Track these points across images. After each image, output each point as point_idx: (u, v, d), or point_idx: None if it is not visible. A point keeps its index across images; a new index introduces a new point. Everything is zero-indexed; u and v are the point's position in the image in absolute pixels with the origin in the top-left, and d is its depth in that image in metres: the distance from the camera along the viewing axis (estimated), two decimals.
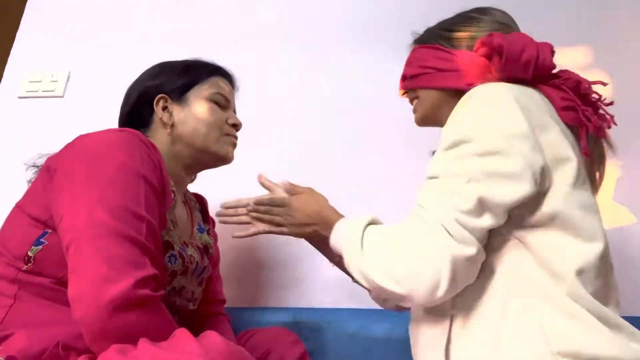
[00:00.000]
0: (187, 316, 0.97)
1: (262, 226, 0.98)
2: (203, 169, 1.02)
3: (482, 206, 0.68)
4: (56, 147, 0.85)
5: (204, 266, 0.97)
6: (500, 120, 0.71)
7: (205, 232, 1.04)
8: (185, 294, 0.92)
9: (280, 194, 0.97)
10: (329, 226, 0.88)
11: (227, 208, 1.01)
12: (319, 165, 1.42)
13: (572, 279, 0.67)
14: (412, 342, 0.84)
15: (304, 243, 1.35)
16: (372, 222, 0.80)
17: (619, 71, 1.51)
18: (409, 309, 1.00)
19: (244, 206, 0.99)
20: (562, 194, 0.70)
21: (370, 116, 1.49)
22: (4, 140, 1.54)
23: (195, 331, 0.66)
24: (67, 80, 1.61)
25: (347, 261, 0.78)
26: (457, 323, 0.73)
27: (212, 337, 0.63)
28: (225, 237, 1.33)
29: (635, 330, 0.69)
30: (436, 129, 0.99)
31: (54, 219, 0.74)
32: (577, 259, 0.68)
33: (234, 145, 1.01)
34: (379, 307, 1.17)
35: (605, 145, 0.82)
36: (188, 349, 0.60)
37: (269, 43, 1.61)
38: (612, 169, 1.41)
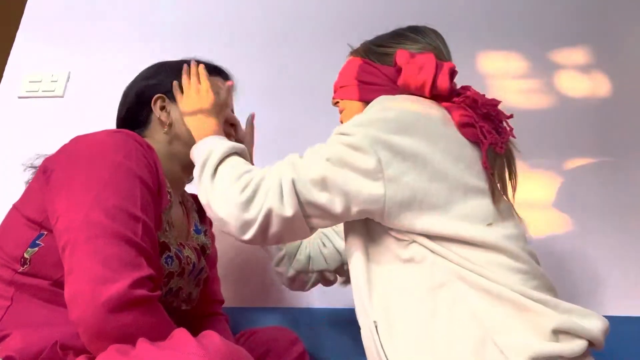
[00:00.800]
0: (185, 317, 0.97)
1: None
2: None
3: (324, 184, 0.74)
4: (56, 147, 0.85)
5: (201, 267, 0.97)
6: (375, 124, 0.75)
7: (202, 233, 1.04)
8: (182, 295, 0.92)
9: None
10: (205, 132, 0.89)
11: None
12: None
13: (480, 261, 0.70)
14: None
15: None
16: (239, 153, 0.85)
17: (619, 71, 1.51)
18: (302, 289, 1.09)
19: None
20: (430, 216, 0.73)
21: None
22: (4, 140, 1.54)
23: (194, 331, 0.66)
24: (67, 80, 1.61)
25: (197, 173, 0.83)
26: (382, 329, 0.73)
27: (211, 337, 0.63)
28: (224, 237, 1.33)
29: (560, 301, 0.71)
30: None
31: (50, 220, 0.74)
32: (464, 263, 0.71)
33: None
34: None
35: (513, 153, 0.85)
36: (187, 348, 0.60)
37: (268, 42, 1.61)
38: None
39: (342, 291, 1.28)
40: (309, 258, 1.07)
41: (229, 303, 1.17)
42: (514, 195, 0.83)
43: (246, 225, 0.75)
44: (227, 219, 0.76)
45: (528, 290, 0.69)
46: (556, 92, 1.51)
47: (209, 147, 0.84)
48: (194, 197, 1.11)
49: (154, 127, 0.96)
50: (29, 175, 0.89)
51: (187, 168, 0.98)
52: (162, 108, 0.95)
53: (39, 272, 0.74)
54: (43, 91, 1.59)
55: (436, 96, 0.84)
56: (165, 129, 0.94)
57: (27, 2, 1.74)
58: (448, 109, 0.81)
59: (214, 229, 1.14)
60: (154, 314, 0.70)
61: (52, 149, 0.86)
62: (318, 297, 1.29)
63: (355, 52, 0.97)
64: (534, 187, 1.40)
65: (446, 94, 0.83)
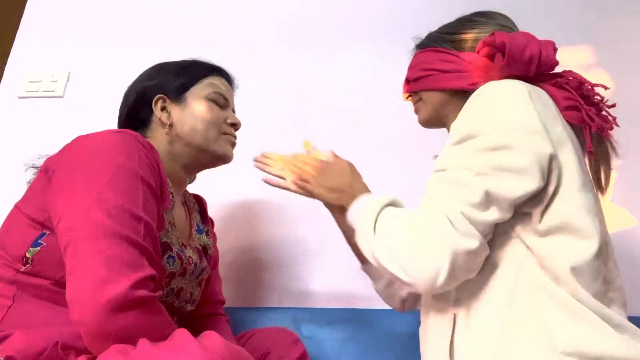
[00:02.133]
0: (186, 317, 0.97)
1: (289, 180, 0.94)
2: (202, 169, 1.02)
3: (488, 200, 0.69)
4: (56, 147, 0.85)
5: (203, 267, 0.97)
6: (511, 114, 0.71)
7: (204, 233, 1.04)
8: (184, 295, 0.92)
9: (323, 157, 0.96)
10: (352, 198, 0.86)
11: (266, 157, 0.99)
12: None
13: (569, 278, 0.67)
14: (420, 342, 0.84)
15: (304, 243, 1.35)
16: (392, 204, 0.80)
17: (619, 71, 1.51)
18: (412, 309, 1.02)
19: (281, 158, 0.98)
20: (570, 201, 0.70)
21: (372, 116, 1.49)
22: (4, 140, 1.54)
23: (195, 332, 0.66)
24: (67, 80, 1.61)
25: (359, 239, 0.79)
26: (460, 323, 0.73)
27: (211, 337, 0.63)
28: (226, 237, 1.33)
29: (639, 330, 0.69)
30: (439, 131, 0.99)
31: (52, 220, 0.74)
32: (572, 256, 0.68)
33: (233, 145, 1.01)
34: (379, 307, 1.17)
35: (608, 147, 0.82)
36: (188, 349, 0.60)
37: (269, 42, 1.61)
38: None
39: (342, 291, 1.28)
40: None
41: (229, 303, 1.17)
42: (604, 192, 0.80)
43: (435, 274, 0.68)
44: (414, 274, 0.69)
45: (612, 315, 0.67)
46: None
47: (362, 207, 0.81)
48: (196, 198, 1.11)
49: (155, 128, 0.96)
50: (30, 175, 0.89)
51: (188, 168, 0.98)
52: (163, 109, 0.95)
53: (40, 272, 0.74)
54: (43, 91, 1.59)
55: (537, 76, 0.80)
56: (166, 130, 0.94)
57: (27, 2, 1.74)
58: (548, 91, 0.78)
59: (215, 229, 1.14)
60: (156, 314, 0.70)
61: (52, 149, 0.86)
62: (318, 297, 1.29)
63: (422, 44, 0.94)
64: None
65: (552, 71, 0.80)
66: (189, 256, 0.91)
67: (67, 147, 0.81)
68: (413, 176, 1.35)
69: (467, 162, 0.71)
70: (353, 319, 1.20)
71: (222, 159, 0.99)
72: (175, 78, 0.97)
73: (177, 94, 0.96)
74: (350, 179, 0.90)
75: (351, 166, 0.94)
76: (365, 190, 0.89)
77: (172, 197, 0.89)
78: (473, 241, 0.68)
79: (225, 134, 0.98)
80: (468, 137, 0.73)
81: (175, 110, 0.95)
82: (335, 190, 0.89)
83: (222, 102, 0.99)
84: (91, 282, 0.64)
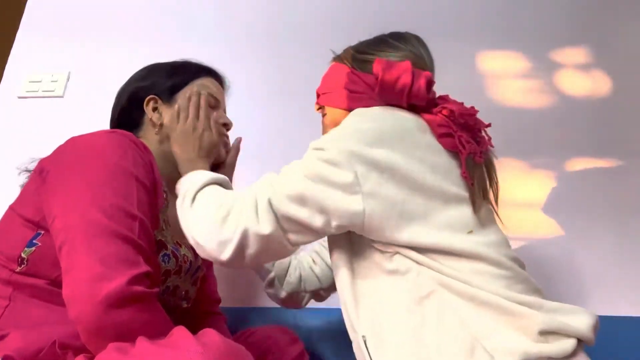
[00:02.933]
0: (182, 316, 0.97)
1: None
2: None
3: (302, 199, 0.74)
4: (56, 147, 0.85)
5: (198, 265, 0.97)
6: (350, 137, 0.75)
7: None
8: (179, 294, 0.93)
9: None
10: (191, 169, 0.89)
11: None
12: None
13: (463, 277, 0.70)
14: None
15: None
16: (220, 183, 0.85)
17: (620, 70, 1.51)
18: (296, 307, 1.10)
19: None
20: (409, 227, 0.73)
21: None
22: (4, 140, 1.54)
23: (192, 331, 0.66)
24: (67, 80, 1.61)
25: (179, 203, 0.84)
26: (371, 343, 0.73)
27: (210, 335, 0.63)
28: None
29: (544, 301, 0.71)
30: None
31: (47, 220, 0.74)
32: (449, 267, 0.71)
33: (225, 145, 1.01)
34: None
35: (493, 161, 0.85)
36: (186, 346, 0.60)
37: (267, 44, 1.61)
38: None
39: None
40: (299, 279, 1.07)
41: (228, 303, 1.17)
42: (496, 202, 0.84)
43: (222, 246, 0.75)
44: (203, 241, 0.76)
45: (512, 294, 0.69)
46: (556, 91, 1.51)
47: (190, 179, 0.85)
48: None
49: (147, 128, 0.96)
50: (23, 179, 0.89)
51: None
52: (155, 109, 0.96)
53: (36, 272, 0.74)
54: (43, 91, 1.59)
55: (413, 106, 0.84)
56: (156, 130, 0.94)
57: (27, 2, 1.74)
58: (426, 119, 0.81)
59: None
60: (152, 310, 0.70)
61: (52, 149, 0.86)
62: None
63: (339, 59, 0.96)
64: (534, 186, 1.40)
65: (423, 103, 0.83)
66: (184, 254, 0.91)
67: (61, 148, 0.82)
68: None
69: (303, 165, 0.77)
70: None
71: (215, 159, 0.99)
72: (167, 79, 0.98)
73: (169, 95, 0.96)
74: (204, 159, 0.92)
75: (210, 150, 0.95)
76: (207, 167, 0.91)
77: (166, 196, 0.89)
78: (266, 226, 0.73)
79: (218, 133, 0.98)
80: (317, 148, 0.77)
81: (166, 111, 0.95)
82: (185, 152, 0.91)
83: (213, 103, 0.99)
84: (88, 279, 0.65)
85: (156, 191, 0.83)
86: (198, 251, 0.79)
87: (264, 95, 1.54)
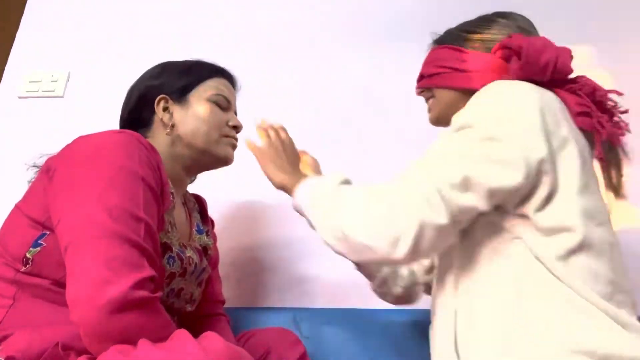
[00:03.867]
0: (186, 317, 0.97)
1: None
2: (203, 171, 1.02)
3: (466, 184, 0.69)
4: (56, 147, 0.85)
5: (203, 267, 0.97)
6: (510, 109, 0.71)
7: (204, 234, 1.04)
8: (184, 296, 0.92)
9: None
10: (298, 181, 0.85)
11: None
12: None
13: (572, 277, 0.67)
14: (430, 339, 0.83)
15: (304, 243, 1.35)
16: (346, 182, 0.82)
17: (619, 71, 1.51)
18: (408, 304, 1.04)
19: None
20: (566, 204, 0.69)
21: (372, 116, 1.48)
22: (4, 140, 1.54)
23: (195, 332, 0.66)
24: (67, 80, 1.61)
25: (312, 215, 0.79)
26: (461, 318, 0.72)
27: (212, 338, 0.63)
28: (226, 237, 1.33)
29: None
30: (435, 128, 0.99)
31: (52, 221, 0.74)
32: (566, 256, 0.68)
33: (234, 147, 1.01)
34: (379, 307, 1.17)
35: (619, 153, 0.82)
36: (188, 350, 0.60)
37: (270, 44, 1.61)
38: None
39: (342, 291, 1.28)
40: (412, 271, 1.04)
41: (229, 303, 1.17)
42: (616, 196, 0.80)
43: (395, 241, 0.69)
44: (371, 241, 0.70)
45: (624, 316, 0.66)
46: None
47: (313, 186, 0.81)
48: (196, 198, 1.11)
49: (157, 128, 0.95)
50: (31, 174, 0.89)
51: (189, 169, 0.98)
52: (165, 109, 0.95)
53: (41, 272, 0.74)
54: (43, 91, 1.59)
55: (551, 82, 0.80)
56: (168, 131, 0.94)
57: (27, 2, 1.74)
58: (561, 97, 0.78)
59: (216, 229, 1.14)
60: (155, 314, 0.69)
61: (52, 149, 0.86)
62: (318, 297, 1.29)
63: (440, 41, 0.93)
64: None
65: (566, 77, 0.80)
66: (189, 256, 0.91)
67: (68, 147, 0.81)
68: None
69: (455, 146, 0.72)
70: (353, 319, 1.20)
71: (223, 161, 0.99)
72: (178, 79, 0.97)
73: (180, 95, 0.96)
74: (301, 164, 0.91)
75: (315, 161, 0.95)
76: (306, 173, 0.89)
77: (173, 197, 0.89)
78: (442, 217, 0.68)
79: (226, 136, 0.98)
80: (462, 127, 0.73)
81: (177, 111, 0.95)
82: (282, 171, 0.89)
83: (225, 104, 0.99)
84: (91, 283, 0.64)
85: (163, 193, 0.82)
86: (363, 257, 0.73)
87: (271, 96, 1.54)
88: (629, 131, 0.79)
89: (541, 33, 0.92)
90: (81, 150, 0.79)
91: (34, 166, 0.89)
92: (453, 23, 0.97)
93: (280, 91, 1.55)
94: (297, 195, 0.85)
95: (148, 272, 0.69)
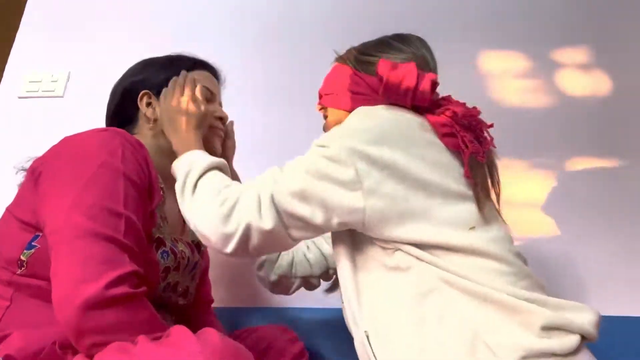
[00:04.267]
0: (180, 311, 0.97)
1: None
2: None
3: (303, 195, 0.75)
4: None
5: (195, 261, 0.97)
6: (353, 135, 0.76)
7: None
8: (179, 290, 0.93)
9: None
10: (187, 148, 0.89)
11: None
12: None
13: (463, 273, 0.70)
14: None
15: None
16: (220, 168, 0.86)
17: (619, 71, 1.51)
18: (285, 293, 1.09)
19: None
20: (415, 223, 0.74)
21: None
22: (4, 140, 1.54)
23: (189, 327, 0.66)
24: (67, 80, 1.61)
25: (178, 188, 0.84)
26: (374, 339, 0.73)
27: (210, 334, 0.63)
28: None
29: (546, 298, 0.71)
30: None
31: (41, 223, 0.75)
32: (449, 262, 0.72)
33: (220, 138, 1.01)
34: None
35: (495, 161, 0.86)
36: (187, 345, 0.60)
37: (264, 40, 1.61)
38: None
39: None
40: (292, 263, 1.07)
41: (227, 303, 1.18)
42: (498, 202, 0.84)
43: (226, 239, 0.76)
44: (208, 233, 0.77)
45: (516, 290, 0.69)
46: (557, 91, 1.51)
47: (189, 162, 0.85)
48: None
49: (141, 124, 0.96)
50: (20, 178, 0.89)
51: None
52: (148, 104, 0.95)
53: (36, 273, 0.75)
54: (43, 91, 1.59)
55: (416, 107, 0.84)
56: (151, 125, 0.94)
57: (27, 2, 1.74)
58: (429, 120, 0.82)
59: None
60: (138, 310, 0.69)
61: None
62: (318, 297, 1.29)
63: (341, 59, 0.96)
64: (534, 186, 1.40)
65: (426, 104, 0.84)
66: (182, 250, 0.91)
67: (52, 148, 0.82)
68: None
69: (305, 161, 0.78)
70: None
71: (211, 152, 0.98)
72: (160, 73, 0.97)
73: (162, 89, 0.96)
74: (195, 131, 0.92)
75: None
76: (200, 147, 0.91)
77: (163, 192, 0.89)
78: (268, 222, 0.75)
79: (211, 127, 0.98)
80: (320, 145, 0.78)
81: (159, 106, 0.95)
82: (175, 129, 0.91)
83: (208, 96, 0.99)
84: (69, 284, 0.65)
85: (152, 188, 0.82)
86: (203, 241, 0.81)
87: (264, 93, 1.54)
88: (493, 146, 0.84)
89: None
90: (64, 150, 0.79)
91: (22, 169, 0.89)
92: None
93: (271, 86, 1.54)
94: (176, 163, 0.88)
95: (128, 267, 0.69)
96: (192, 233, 1.01)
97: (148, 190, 0.82)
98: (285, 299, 1.29)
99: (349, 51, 0.96)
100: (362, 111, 0.82)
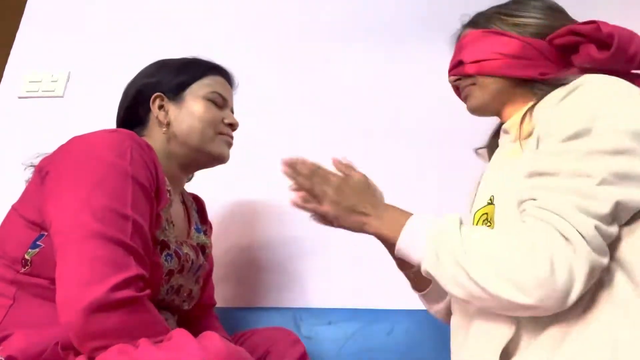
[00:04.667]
0: (184, 314, 0.97)
1: (300, 198, 0.81)
2: (199, 169, 1.02)
3: (616, 212, 0.62)
4: (56, 147, 0.85)
5: (200, 264, 0.97)
6: (626, 115, 0.64)
7: (202, 233, 1.04)
8: (183, 293, 0.93)
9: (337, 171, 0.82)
10: (384, 221, 0.76)
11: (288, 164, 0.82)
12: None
13: None
14: (453, 340, 0.79)
15: (304, 243, 1.35)
16: (462, 222, 0.71)
17: None
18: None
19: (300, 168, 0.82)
20: None
21: (376, 117, 1.48)
22: (4, 140, 1.54)
23: (191, 331, 0.66)
24: (67, 80, 1.61)
25: (433, 265, 0.69)
26: (526, 329, 0.66)
27: (211, 338, 0.63)
28: (225, 237, 1.33)
29: None
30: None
31: (46, 223, 0.74)
32: None
33: (230, 145, 1.00)
34: (379, 307, 1.17)
35: None
36: (188, 349, 0.60)
37: (265, 42, 1.61)
38: None
39: (342, 291, 1.28)
40: None
41: (229, 303, 1.18)
42: None
43: (566, 292, 0.60)
44: (536, 299, 0.60)
45: None
46: None
47: (425, 232, 0.70)
48: (194, 197, 1.11)
49: (152, 126, 0.95)
50: (29, 174, 0.89)
51: (185, 167, 0.98)
52: (161, 107, 0.95)
53: (40, 273, 0.74)
54: (43, 91, 1.59)
55: (630, 74, 0.76)
56: (164, 129, 0.94)
57: (27, 2, 1.74)
58: None
59: (215, 229, 1.14)
60: (142, 313, 0.69)
61: (52, 149, 0.86)
62: (318, 297, 1.29)
63: (476, 24, 0.88)
64: None
65: None
66: (186, 253, 0.91)
67: (61, 148, 0.81)
68: (420, 173, 1.36)
69: (581, 165, 0.63)
70: (353, 319, 1.20)
71: (218, 159, 0.98)
72: (174, 76, 0.97)
73: (176, 93, 0.95)
74: (371, 196, 0.79)
75: (367, 179, 0.82)
76: (398, 209, 0.78)
77: (170, 195, 0.89)
78: (605, 258, 0.61)
79: (221, 134, 0.98)
80: (577, 135, 0.64)
81: (172, 109, 0.95)
82: (355, 212, 0.78)
83: (221, 102, 0.99)
84: (74, 286, 0.65)
85: (159, 191, 0.82)
86: (521, 310, 0.63)
87: (274, 97, 1.54)
88: None
89: None
90: (72, 150, 0.79)
91: (31, 165, 0.89)
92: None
93: (284, 91, 1.54)
94: (402, 243, 0.74)
95: (134, 270, 0.69)
96: (198, 236, 1.02)
97: (155, 193, 0.81)
98: (287, 299, 1.30)
99: (485, 15, 0.87)
100: (608, 83, 0.68)
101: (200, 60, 1.02)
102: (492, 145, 0.95)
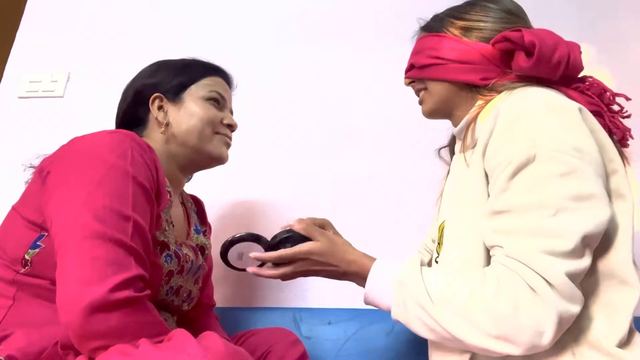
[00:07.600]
0: (183, 315, 0.97)
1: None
2: (198, 169, 1.02)
3: (585, 242, 0.60)
4: (56, 147, 0.85)
5: (199, 265, 0.97)
6: (564, 131, 0.64)
7: (202, 234, 1.05)
8: (182, 293, 0.93)
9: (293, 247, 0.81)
10: (361, 275, 0.78)
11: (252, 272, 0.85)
12: (315, 165, 1.42)
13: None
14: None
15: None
16: (422, 264, 0.71)
17: (619, 71, 1.51)
18: None
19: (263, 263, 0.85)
20: (623, 231, 0.66)
21: (373, 116, 1.48)
22: (4, 140, 1.54)
23: (190, 331, 0.66)
24: (67, 80, 1.61)
25: (402, 312, 0.70)
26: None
27: (211, 338, 0.63)
28: (224, 237, 1.33)
29: None
30: (440, 128, 0.98)
31: (47, 223, 0.74)
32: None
33: (228, 145, 1.00)
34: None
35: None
36: (188, 349, 0.60)
37: (265, 42, 1.61)
38: None
39: (342, 291, 1.28)
40: None
41: (229, 303, 1.17)
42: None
43: (531, 345, 0.59)
44: (506, 351, 0.60)
45: None
46: None
47: (388, 279, 0.72)
48: (193, 198, 1.11)
49: (152, 127, 0.95)
50: (28, 175, 0.89)
51: (184, 168, 0.98)
52: (160, 108, 0.95)
53: (40, 273, 0.75)
54: (43, 91, 1.59)
55: (560, 80, 0.75)
56: (162, 129, 0.94)
57: (27, 2, 1.74)
58: (571, 96, 0.73)
59: (214, 229, 1.14)
60: (142, 313, 0.69)
61: (52, 149, 0.86)
62: (318, 297, 1.29)
63: (429, 28, 0.88)
64: None
65: (577, 75, 0.75)
66: (186, 253, 0.91)
67: (61, 148, 0.81)
68: (413, 176, 1.36)
69: (534, 197, 0.62)
70: (353, 319, 1.20)
71: (217, 159, 0.98)
72: (173, 77, 0.97)
73: (175, 94, 0.95)
74: (339, 256, 0.80)
75: (326, 237, 0.81)
76: (365, 257, 0.79)
77: (170, 196, 0.89)
78: (577, 306, 0.60)
79: (219, 134, 0.98)
80: (522, 165, 0.63)
81: (171, 110, 0.95)
82: (338, 274, 0.81)
83: (220, 103, 0.99)
84: (74, 285, 0.65)
85: (159, 191, 0.82)
86: (489, 354, 0.63)
87: (270, 96, 1.54)
88: (631, 137, 0.75)
89: None
90: (73, 151, 0.79)
91: (30, 167, 0.89)
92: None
93: (284, 90, 1.54)
94: (369, 293, 0.76)
95: (134, 271, 0.69)
96: (197, 237, 1.02)
97: (156, 194, 0.81)
98: (287, 299, 1.30)
99: (438, 18, 0.87)
100: (543, 103, 0.67)
101: (199, 61, 1.02)
102: (453, 145, 0.96)
